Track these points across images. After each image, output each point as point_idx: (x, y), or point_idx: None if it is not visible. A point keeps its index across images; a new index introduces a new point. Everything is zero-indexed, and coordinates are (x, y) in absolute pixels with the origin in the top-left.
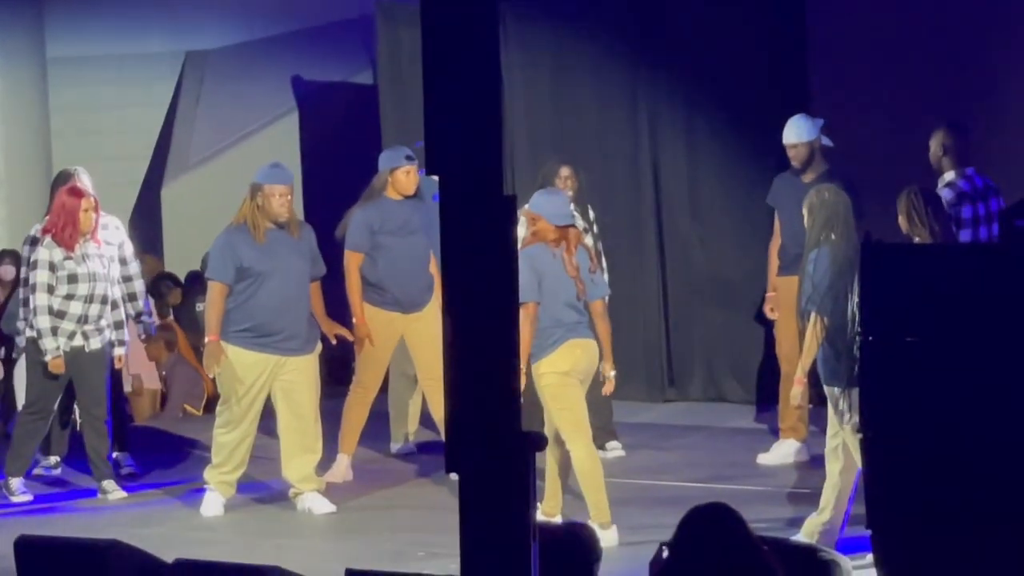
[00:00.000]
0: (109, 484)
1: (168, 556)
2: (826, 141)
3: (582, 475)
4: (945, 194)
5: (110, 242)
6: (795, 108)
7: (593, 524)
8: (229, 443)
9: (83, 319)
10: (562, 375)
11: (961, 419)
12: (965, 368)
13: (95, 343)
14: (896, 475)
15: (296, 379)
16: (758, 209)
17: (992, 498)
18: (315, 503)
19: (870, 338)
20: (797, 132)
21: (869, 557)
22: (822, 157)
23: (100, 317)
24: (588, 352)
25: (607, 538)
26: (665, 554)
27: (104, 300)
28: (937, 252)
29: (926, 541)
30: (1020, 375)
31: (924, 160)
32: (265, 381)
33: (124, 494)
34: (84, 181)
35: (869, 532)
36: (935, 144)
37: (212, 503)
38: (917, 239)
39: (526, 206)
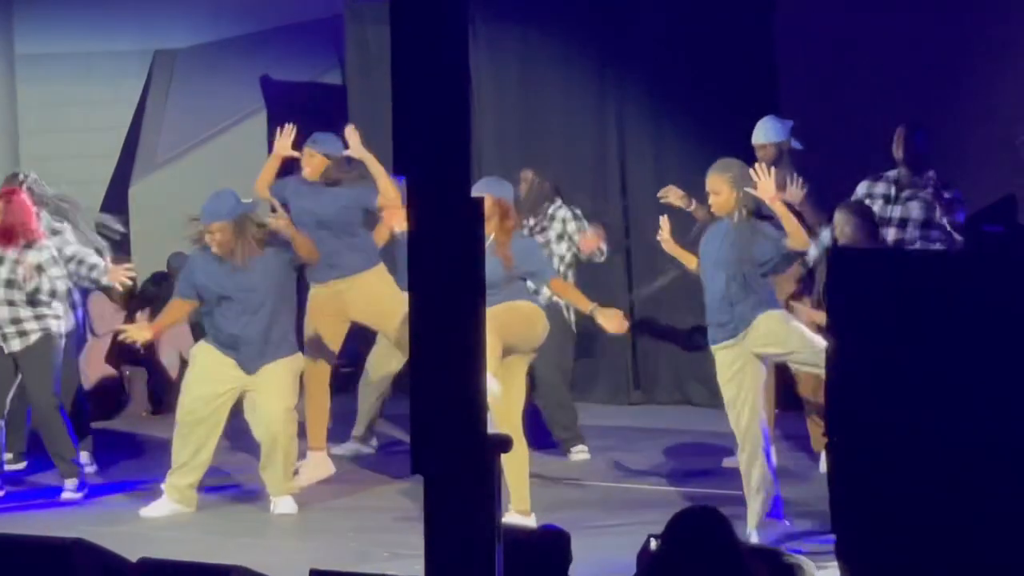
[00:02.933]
0: (71, 482)
1: (132, 555)
2: (796, 144)
3: (506, 461)
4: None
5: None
6: (764, 110)
7: (513, 511)
8: (187, 446)
9: None
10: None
11: (928, 423)
12: (932, 372)
13: (14, 344)
14: (861, 479)
15: (261, 388)
16: None
17: (958, 502)
18: (278, 504)
19: (837, 342)
20: (766, 133)
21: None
22: (790, 159)
23: (12, 320)
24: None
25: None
26: (653, 545)
27: (11, 303)
28: (905, 256)
29: (891, 545)
30: (988, 379)
31: (890, 163)
32: (231, 388)
33: (82, 493)
34: (28, 182)
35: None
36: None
37: (159, 506)
38: None
39: (486, 194)
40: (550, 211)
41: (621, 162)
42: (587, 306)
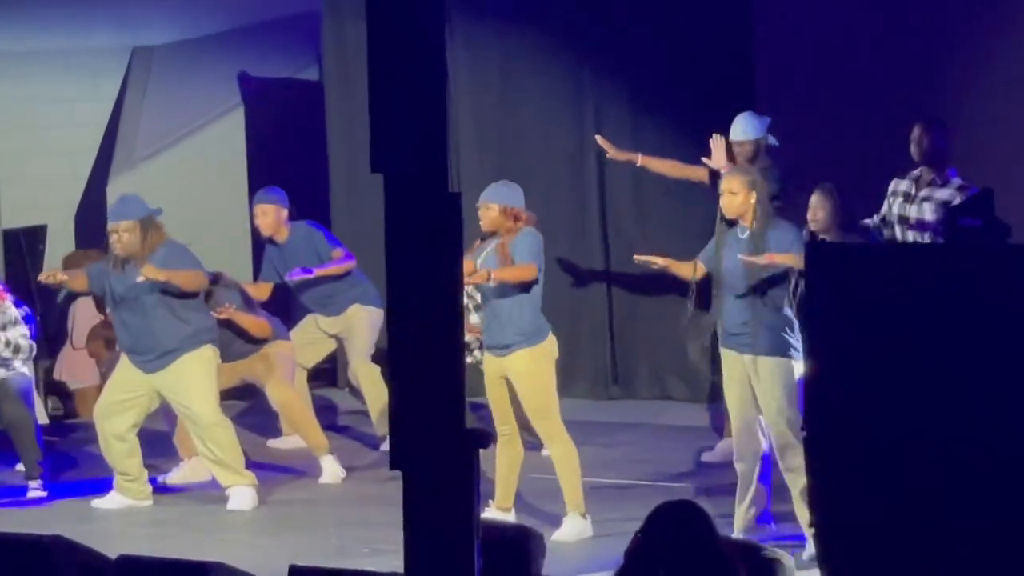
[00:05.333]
0: (35, 482)
1: (111, 551)
2: (772, 140)
3: (501, 459)
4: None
5: None
6: (741, 106)
7: (495, 507)
8: (106, 448)
9: None
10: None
11: (906, 417)
12: (910, 366)
13: None
14: (841, 474)
15: (173, 391)
16: (703, 207)
17: (938, 498)
18: (232, 499)
19: (814, 337)
20: (744, 129)
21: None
22: (766, 155)
23: None
24: None
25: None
26: None
27: None
28: (883, 251)
29: (871, 540)
30: (967, 374)
31: (867, 159)
32: (142, 393)
33: (47, 491)
34: None
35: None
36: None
37: (110, 499)
38: (825, 237)
39: (495, 202)
40: None
41: (599, 156)
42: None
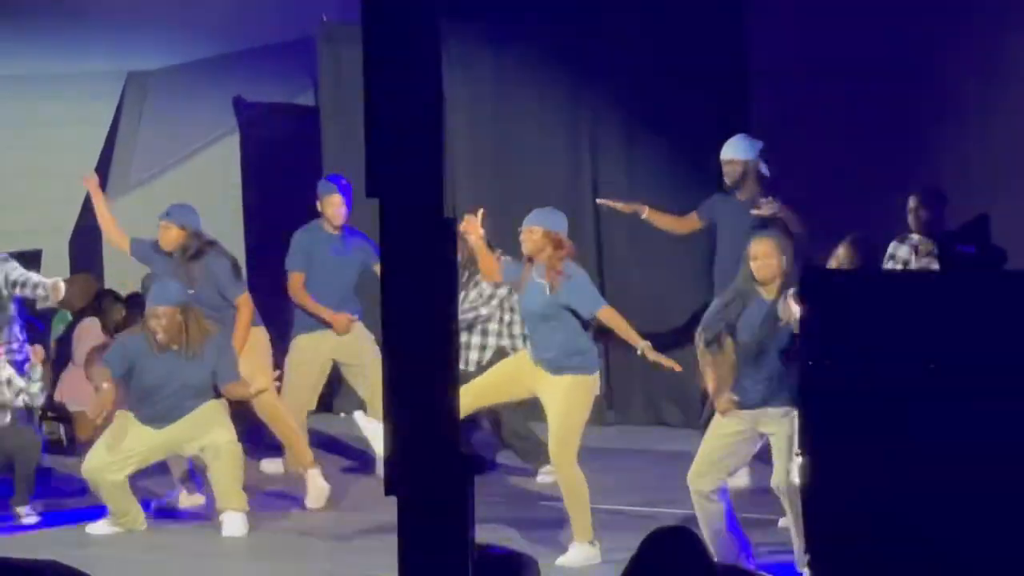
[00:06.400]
0: (23, 508)
1: None
2: (764, 169)
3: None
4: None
5: None
6: (735, 132)
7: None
8: (102, 491)
9: None
10: None
11: (902, 443)
12: (907, 392)
13: None
14: (837, 500)
15: (192, 429)
16: (697, 233)
17: (934, 523)
18: (226, 524)
19: (810, 363)
20: (734, 149)
21: None
22: (756, 180)
23: None
24: None
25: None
26: None
27: None
28: (878, 278)
29: (867, 565)
30: (964, 400)
31: (860, 185)
32: (144, 448)
33: (39, 516)
34: None
35: (808, 556)
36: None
37: (104, 524)
38: None
39: (539, 226)
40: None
41: (593, 181)
42: (637, 342)
